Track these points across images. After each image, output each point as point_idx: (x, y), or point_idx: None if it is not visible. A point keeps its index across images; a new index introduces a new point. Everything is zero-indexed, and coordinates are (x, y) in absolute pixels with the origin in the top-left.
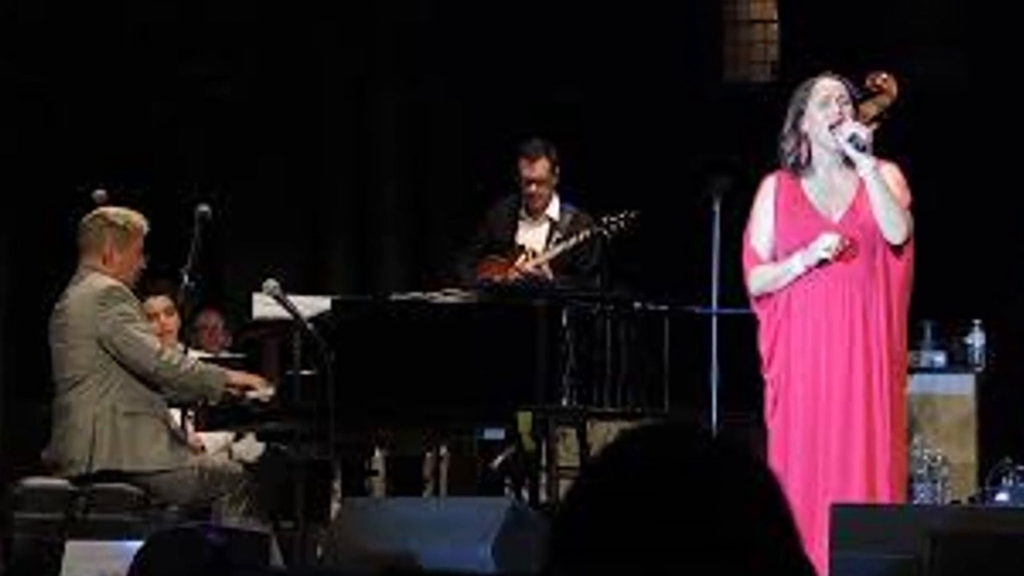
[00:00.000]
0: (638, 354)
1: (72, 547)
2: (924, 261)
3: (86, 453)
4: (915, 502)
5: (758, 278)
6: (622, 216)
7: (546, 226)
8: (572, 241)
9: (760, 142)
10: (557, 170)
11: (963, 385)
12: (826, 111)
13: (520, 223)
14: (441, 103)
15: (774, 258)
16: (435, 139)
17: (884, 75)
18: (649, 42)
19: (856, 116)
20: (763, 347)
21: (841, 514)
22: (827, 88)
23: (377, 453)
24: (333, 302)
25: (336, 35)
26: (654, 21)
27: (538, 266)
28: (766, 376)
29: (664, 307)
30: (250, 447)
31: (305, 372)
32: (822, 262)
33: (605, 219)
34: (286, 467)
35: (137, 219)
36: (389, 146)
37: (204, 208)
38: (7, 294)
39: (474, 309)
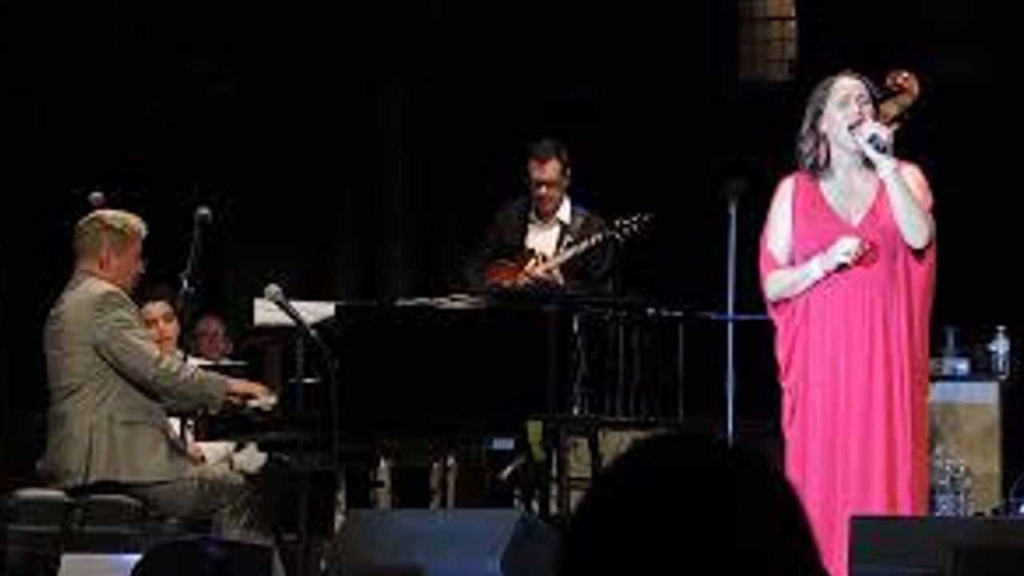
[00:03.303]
0: (651, 361)
1: (68, 560)
2: (946, 265)
3: (82, 463)
4: (937, 514)
5: (775, 283)
6: (635, 219)
7: (557, 229)
8: (584, 245)
9: (777, 143)
10: (568, 172)
11: (986, 393)
12: (845, 111)
13: (530, 226)
14: (452, 102)
15: (792, 262)
16: (445, 139)
17: (905, 74)
18: (663, 40)
19: (876, 116)
20: (780, 354)
21: (861, 526)
22: (846, 87)
23: (382, 464)
24: (337, 308)
25: (343, 31)
26: (669, 18)
27: (548, 271)
28: (783, 384)
29: (678, 313)
30: (252, 457)
31: (308, 380)
32: (841, 267)
33: (618, 222)
34: (289, 478)
35: (135, 222)
36: (397, 147)
37: (204, 211)
38: (1, 300)
39: (482, 315)
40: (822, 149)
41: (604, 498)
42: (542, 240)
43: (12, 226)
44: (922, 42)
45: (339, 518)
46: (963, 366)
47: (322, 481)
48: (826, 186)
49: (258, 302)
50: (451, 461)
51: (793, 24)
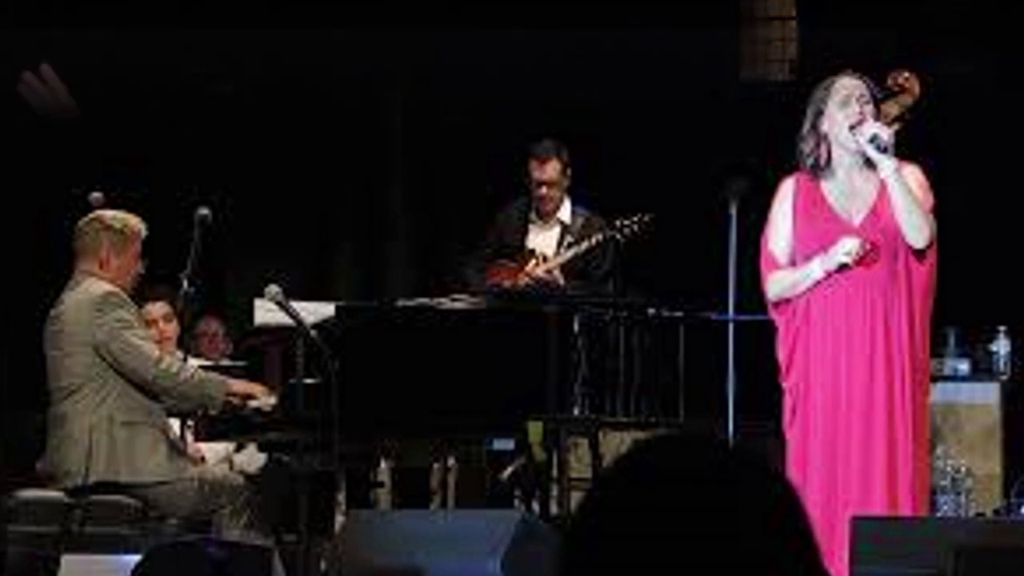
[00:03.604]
0: (652, 362)
1: (68, 561)
2: (947, 266)
3: (82, 464)
4: (938, 515)
5: (776, 283)
6: (636, 219)
7: (557, 230)
8: (584, 245)
9: (778, 143)
10: (569, 172)
11: (988, 394)
12: (846, 111)
13: (531, 227)
14: (452, 102)
15: (793, 263)
16: (445, 139)
17: (906, 73)
18: (663, 39)
19: (877, 116)
20: (781, 355)
21: (862, 527)
22: (847, 87)
23: (383, 464)
24: (337, 308)
25: (343, 31)
26: (669, 18)
27: (549, 271)
28: (784, 385)
29: (679, 313)
30: (252, 458)
31: (308, 381)
32: (842, 267)
33: (618, 222)
34: (289, 479)
35: (135, 223)
36: (397, 147)
37: (204, 211)
38: (1, 300)
39: (483, 315)
40: (823, 149)
41: (605, 499)
42: (543, 240)
43: (12, 226)
44: (922, 42)
45: (339, 519)
46: (964, 366)
47: (322, 481)
48: (827, 186)
49: (258, 302)
50: (451, 461)
51: (794, 24)
